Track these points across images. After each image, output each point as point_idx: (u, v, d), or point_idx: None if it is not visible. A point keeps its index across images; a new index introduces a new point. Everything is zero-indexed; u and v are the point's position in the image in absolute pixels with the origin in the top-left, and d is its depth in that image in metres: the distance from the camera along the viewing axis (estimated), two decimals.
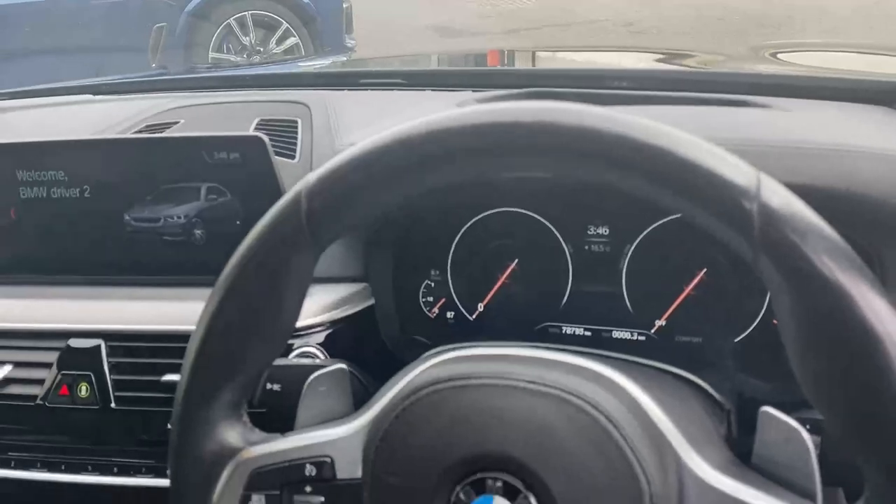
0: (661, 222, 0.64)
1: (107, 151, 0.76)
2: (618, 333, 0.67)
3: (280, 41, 4.50)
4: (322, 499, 0.44)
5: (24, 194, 0.76)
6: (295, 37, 4.53)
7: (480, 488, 0.39)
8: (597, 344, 0.65)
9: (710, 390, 0.51)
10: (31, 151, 0.76)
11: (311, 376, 0.51)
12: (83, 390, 0.69)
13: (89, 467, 0.70)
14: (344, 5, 4.52)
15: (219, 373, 0.46)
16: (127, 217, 0.74)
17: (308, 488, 0.45)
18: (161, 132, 0.84)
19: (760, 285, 0.46)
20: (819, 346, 0.35)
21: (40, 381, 0.71)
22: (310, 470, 0.45)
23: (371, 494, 0.43)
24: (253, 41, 4.46)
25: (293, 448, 0.46)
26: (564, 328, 0.68)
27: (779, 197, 0.36)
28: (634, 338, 0.66)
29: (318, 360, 0.58)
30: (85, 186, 0.75)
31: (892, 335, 0.34)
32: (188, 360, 0.46)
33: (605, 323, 0.67)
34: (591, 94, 0.83)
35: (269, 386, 0.54)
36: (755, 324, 0.64)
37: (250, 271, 0.44)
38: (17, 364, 0.72)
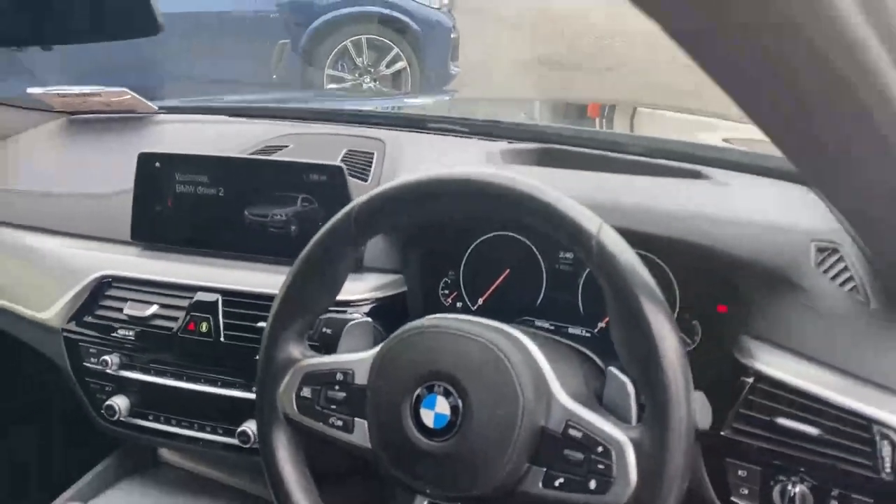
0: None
1: (237, 166, 1.08)
2: (572, 329, 0.93)
3: (390, 64, 4.84)
4: (344, 394, 0.73)
5: (178, 189, 1.10)
6: (404, 61, 4.87)
7: (431, 390, 0.67)
8: (557, 335, 0.91)
9: (596, 360, 0.77)
10: (186, 161, 1.09)
11: (348, 324, 0.81)
12: (203, 327, 1.01)
13: (202, 380, 1.02)
14: (452, 35, 4.86)
15: (292, 313, 0.76)
16: (246, 212, 1.05)
17: (336, 387, 0.74)
18: (274, 153, 1.16)
19: None
20: (620, 323, 0.61)
21: (175, 319, 1.03)
22: (339, 376, 0.74)
23: (370, 392, 0.71)
24: (365, 62, 4.83)
25: (331, 363, 0.75)
26: (536, 321, 0.95)
27: (611, 239, 0.62)
28: (583, 333, 0.92)
29: (355, 317, 0.87)
30: (220, 188, 1.07)
31: (657, 323, 0.59)
32: (274, 305, 0.77)
33: (565, 321, 0.93)
34: (596, 157, 1.08)
35: (323, 329, 0.84)
36: None
37: (317, 253, 0.74)
38: (161, 305, 1.05)
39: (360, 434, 0.71)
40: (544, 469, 0.64)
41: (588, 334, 0.92)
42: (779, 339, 0.79)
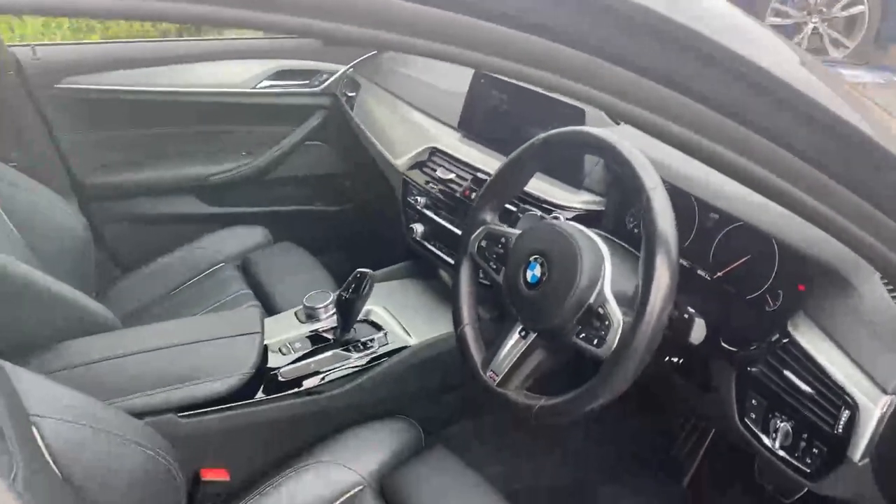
0: (731, 227, 1.14)
1: (527, 95, 1.52)
2: (699, 271, 1.20)
3: (847, 7, 4.49)
4: (501, 251, 1.18)
5: (490, 103, 1.58)
6: (864, 5, 4.47)
7: (535, 260, 1.07)
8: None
9: None
10: (496, 83, 1.56)
11: (527, 213, 1.24)
12: (472, 196, 1.51)
13: (456, 224, 1.54)
14: None
15: (495, 191, 1.21)
16: (521, 128, 1.50)
17: (498, 246, 1.18)
18: None
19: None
20: (642, 260, 0.94)
21: (461, 185, 1.55)
22: (502, 240, 1.18)
23: (511, 253, 1.14)
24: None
25: (502, 231, 1.19)
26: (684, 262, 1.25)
27: (659, 200, 0.93)
28: (704, 276, 1.19)
29: (536, 212, 1.28)
30: (514, 108, 1.53)
31: (660, 268, 0.90)
32: (487, 182, 1.22)
33: (696, 263, 1.21)
34: None
35: (515, 211, 1.28)
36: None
37: (519, 157, 1.17)
38: (457, 175, 1.57)
39: (502, 277, 1.16)
40: (579, 326, 1.01)
41: (709, 278, 1.19)
42: (821, 321, 0.99)
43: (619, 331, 0.95)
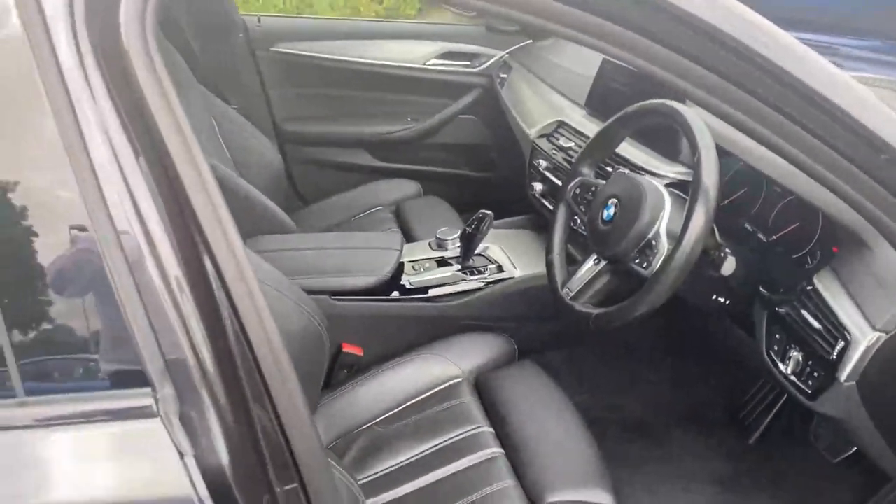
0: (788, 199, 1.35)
1: (643, 77, 1.78)
2: (760, 235, 1.41)
3: None
4: (590, 197, 1.46)
5: (611, 84, 1.86)
6: None
7: (611, 202, 1.35)
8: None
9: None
10: (617, 68, 1.83)
11: (616, 171, 1.52)
12: None
13: None
14: None
15: (592, 148, 1.50)
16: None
17: (588, 193, 1.47)
18: None
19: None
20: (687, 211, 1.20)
21: (576, 152, 1.84)
22: (592, 188, 1.47)
23: (594, 197, 1.43)
24: None
25: (590, 182, 1.48)
26: (745, 222, 1.46)
27: (708, 160, 1.18)
28: (762, 238, 1.40)
29: (626, 171, 1.55)
30: (632, 87, 1.80)
31: (696, 219, 1.17)
32: (590, 141, 1.52)
33: (757, 227, 1.42)
34: None
35: (608, 169, 1.55)
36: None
37: (615, 122, 1.45)
38: (575, 144, 1.87)
39: (587, 218, 1.44)
40: (637, 254, 1.28)
41: (765, 240, 1.41)
42: (841, 273, 1.20)
43: (662, 257, 1.22)
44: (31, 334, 0.69)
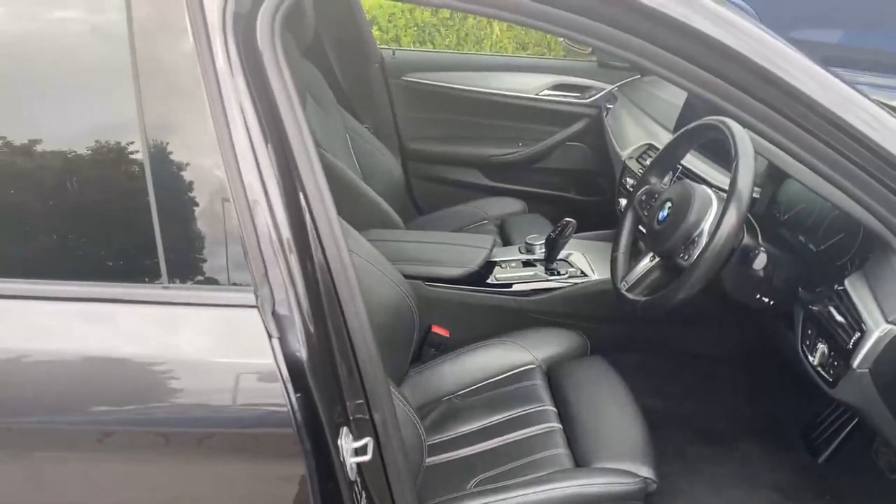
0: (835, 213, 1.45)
1: None
2: (809, 244, 1.52)
3: None
4: (646, 196, 1.64)
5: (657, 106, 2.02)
6: None
7: (666, 206, 1.52)
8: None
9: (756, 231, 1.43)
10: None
11: (680, 181, 1.68)
12: None
13: None
14: None
15: (661, 159, 1.68)
16: None
17: (653, 200, 1.65)
18: None
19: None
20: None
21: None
22: (655, 195, 1.64)
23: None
24: None
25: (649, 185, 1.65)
26: (790, 231, 1.57)
27: (744, 168, 1.33)
28: (809, 246, 1.51)
29: (687, 181, 1.69)
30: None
31: (728, 219, 1.33)
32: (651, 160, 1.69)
33: (806, 237, 1.53)
34: None
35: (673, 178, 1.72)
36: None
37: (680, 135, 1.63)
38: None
39: (646, 220, 1.61)
40: (683, 249, 1.44)
41: (814, 249, 1.51)
42: (870, 277, 1.29)
43: (699, 250, 1.38)
44: (186, 250, 0.98)
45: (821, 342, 1.34)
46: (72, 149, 0.96)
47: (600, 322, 1.99)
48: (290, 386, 0.93)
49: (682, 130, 1.61)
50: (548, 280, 1.99)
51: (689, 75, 1.00)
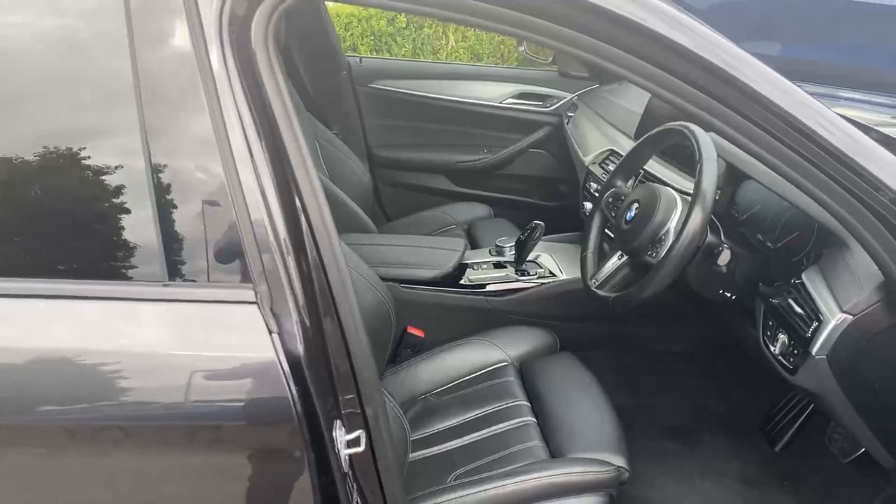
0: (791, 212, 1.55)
1: None
2: (765, 240, 1.62)
3: None
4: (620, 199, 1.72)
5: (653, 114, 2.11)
6: None
7: (633, 207, 1.60)
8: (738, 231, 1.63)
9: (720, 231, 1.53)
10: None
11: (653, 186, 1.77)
12: None
13: None
14: None
15: (622, 168, 1.76)
16: None
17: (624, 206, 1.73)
18: None
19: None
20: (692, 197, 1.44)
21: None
22: (621, 198, 1.72)
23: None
24: None
25: (614, 189, 1.73)
26: (750, 231, 1.67)
27: (708, 168, 1.42)
28: (765, 242, 1.60)
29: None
30: None
31: (694, 220, 1.41)
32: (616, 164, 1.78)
33: (765, 235, 1.62)
34: None
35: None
36: None
37: (645, 140, 1.72)
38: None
39: (614, 221, 1.69)
40: (650, 248, 1.52)
41: (772, 246, 1.61)
42: (825, 271, 1.39)
43: (667, 248, 1.46)
44: (185, 249, 1.01)
45: (781, 332, 1.43)
46: (73, 149, 0.99)
47: (569, 320, 2.06)
48: (290, 379, 0.97)
49: (646, 136, 1.69)
50: (518, 280, 2.05)
51: (656, 79, 1.06)
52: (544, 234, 2.06)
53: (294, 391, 0.97)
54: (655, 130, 1.66)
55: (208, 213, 0.99)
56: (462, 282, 2.05)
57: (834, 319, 1.30)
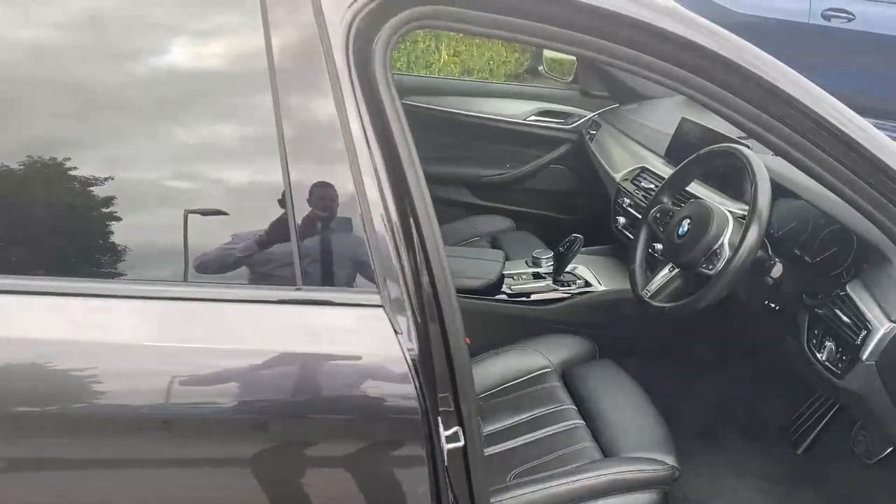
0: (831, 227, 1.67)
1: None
2: (805, 256, 1.74)
3: None
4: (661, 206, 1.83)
5: (688, 139, 2.24)
6: None
7: (684, 223, 1.71)
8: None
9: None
10: (694, 126, 2.22)
11: (693, 201, 1.88)
12: None
13: None
14: None
15: (671, 184, 1.88)
16: None
17: (667, 216, 1.84)
18: None
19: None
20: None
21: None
22: (670, 212, 1.83)
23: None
24: None
25: (663, 205, 1.85)
26: (791, 246, 1.79)
27: (763, 191, 1.53)
28: (805, 258, 1.72)
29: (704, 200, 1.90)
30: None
31: (751, 236, 1.52)
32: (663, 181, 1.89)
33: (803, 251, 1.74)
34: None
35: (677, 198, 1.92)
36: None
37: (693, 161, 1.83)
38: (655, 185, 2.24)
39: (664, 235, 1.79)
40: (704, 261, 1.63)
41: (810, 261, 1.73)
42: (868, 283, 1.51)
43: (724, 260, 1.57)
44: (316, 257, 1.09)
45: (828, 340, 1.55)
46: (220, 163, 1.07)
47: (607, 328, 2.16)
48: (418, 376, 1.05)
49: (694, 156, 1.81)
50: (559, 291, 2.15)
51: (715, 96, 1.15)
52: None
53: (419, 386, 1.05)
54: (703, 151, 1.78)
55: (338, 224, 1.08)
56: (504, 290, 2.14)
57: (883, 328, 1.41)
